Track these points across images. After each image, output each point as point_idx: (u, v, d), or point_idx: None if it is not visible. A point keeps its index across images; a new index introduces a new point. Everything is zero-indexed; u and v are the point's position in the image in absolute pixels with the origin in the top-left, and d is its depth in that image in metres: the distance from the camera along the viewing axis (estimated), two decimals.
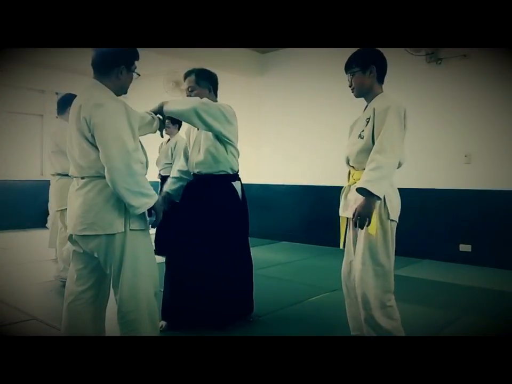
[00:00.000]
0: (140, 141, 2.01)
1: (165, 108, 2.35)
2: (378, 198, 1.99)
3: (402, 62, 5.13)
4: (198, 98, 2.59)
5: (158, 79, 7.41)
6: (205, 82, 2.81)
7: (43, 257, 5.12)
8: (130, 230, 1.92)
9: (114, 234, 1.89)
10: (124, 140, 1.82)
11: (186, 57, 5.68)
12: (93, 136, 1.85)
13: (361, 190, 1.99)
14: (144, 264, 1.96)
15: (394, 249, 2.14)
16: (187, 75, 2.81)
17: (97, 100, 1.86)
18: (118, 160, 1.80)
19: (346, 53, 2.21)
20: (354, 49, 2.19)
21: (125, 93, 2.05)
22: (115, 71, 1.95)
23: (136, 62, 2.03)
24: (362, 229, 2.04)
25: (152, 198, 1.92)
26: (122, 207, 1.90)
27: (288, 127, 6.55)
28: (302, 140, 6.41)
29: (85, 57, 7.14)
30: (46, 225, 7.49)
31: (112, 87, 1.96)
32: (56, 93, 7.97)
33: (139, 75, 2.07)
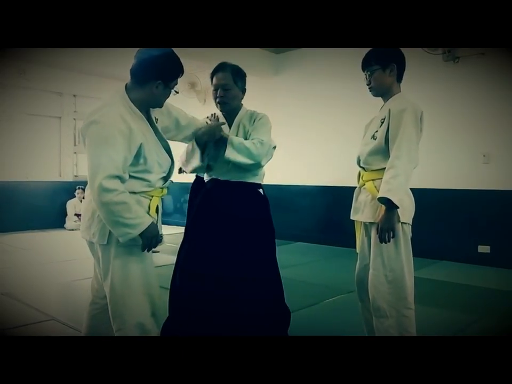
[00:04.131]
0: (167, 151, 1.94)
1: (228, 152, 2.20)
2: (397, 207, 1.94)
3: (419, 60, 5.07)
4: (264, 146, 2.31)
5: None
6: (241, 82, 2.41)
7: (62, 258, 5.19)
8: (119, 245, 1.81)
9: (99, 244, 1.85)
10: (102, 165, 1.69)
11: (201, 58, 5.70)
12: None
13: (382, 199, 1.95)
14: (136, 282, 1.84)
15: (410, 252, 2.07)
16: (219, 70, 2.37)
17: (98, 116, 1.75)
18: (91, 184, 1.72)
19: (361, 53, 2.18)
20: (368, 49, 2.15)
21: (160, 106, 1.94)
22: (150, 84, 1.82)
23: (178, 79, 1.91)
24: (387, 243, 1.98)
25: (136, 228, 1.74)
26: None
27: (302, 127, 6.54)
28: (316, 140, 6.39)
29: (103, 59, 7.21)
30: (65, 225, 7.63)
31: (144, 98, 1.85)
32: (74, 95, 8.11)
33: (177, 92, 1.96)
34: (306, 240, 6.38)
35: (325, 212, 6.22)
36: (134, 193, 1.84)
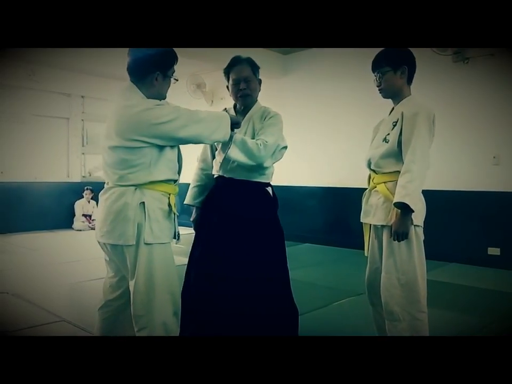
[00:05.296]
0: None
1: (230, 150, 2.13)
2: (413, 211, 1.92)
3: (428, 61, 5.02)
4: (268, 148, 2.22)
5: (179, 80, 7.49)
6: (258, 74, 2.40)
7: (71, 258, 5.20)
8: (145, 243, 1.84)
9: (127, 246, 1.84)
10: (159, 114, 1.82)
11: (207, 59, 5.70)
12: (132, 140, 1.79)
13: (399, 204, 1.93)
14: (161, 280, 1.87)
15: (423, 255, 2.04)
16: (236, 63, 2.34)
17: (127, 101, 1.84)
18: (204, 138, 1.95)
19: (370, 54, 2.16)
20: (376, 50, 2.12)
21: (164, 98, 1.96)
22: (149, 77, 1.87)
23: (174, 66, 1.95)
24: (400, 242, 1.97)
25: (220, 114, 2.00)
26: (136, 219, 1.82)
27: (310, 128, 6.52)
28: (324, 141, 6.37)
29: (110, 60, 7.27)
30: (73, 226, 7.67)
31: (146, 93, 1.88)
32: (82, 96, 8.16)
33: (177, 80, 1.98)
34: (314, 241, 6.35)
35: (333, 213, 6.19)
36: (162, 181, 1.90)
